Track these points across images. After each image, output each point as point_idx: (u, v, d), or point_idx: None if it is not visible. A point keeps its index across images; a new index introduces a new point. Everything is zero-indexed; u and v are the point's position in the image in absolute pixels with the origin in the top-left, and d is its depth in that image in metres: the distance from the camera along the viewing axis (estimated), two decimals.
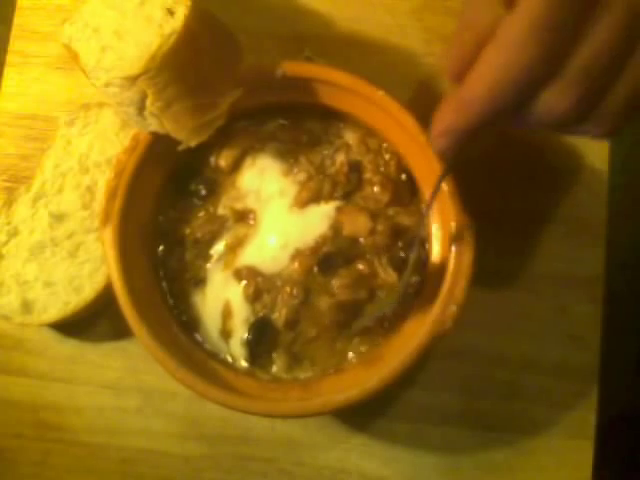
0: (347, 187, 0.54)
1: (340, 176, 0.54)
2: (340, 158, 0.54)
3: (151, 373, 0.58)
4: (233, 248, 0.54)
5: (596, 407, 0.57)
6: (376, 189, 0.54)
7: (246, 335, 0.52)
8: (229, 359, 0.53)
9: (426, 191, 0.53)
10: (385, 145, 0.55)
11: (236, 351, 0.53)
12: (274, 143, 0.55)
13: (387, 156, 0.54)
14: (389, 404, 0.57)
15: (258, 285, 0.52)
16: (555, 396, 0.57)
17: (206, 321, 0.54)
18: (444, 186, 0.50)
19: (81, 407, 0.59)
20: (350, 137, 0.55)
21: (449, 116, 0.39)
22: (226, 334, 0.53)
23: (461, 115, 0.38)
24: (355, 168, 0.54)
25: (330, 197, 0.53)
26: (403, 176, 0.54)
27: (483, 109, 0.37)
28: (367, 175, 0.54)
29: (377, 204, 0.54)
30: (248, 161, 0.55)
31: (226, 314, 0.53)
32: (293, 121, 0.55)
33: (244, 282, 0.53)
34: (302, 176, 0.54)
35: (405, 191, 0.54)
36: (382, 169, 0.54)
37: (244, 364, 0.53)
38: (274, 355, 0.53)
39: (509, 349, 0.58)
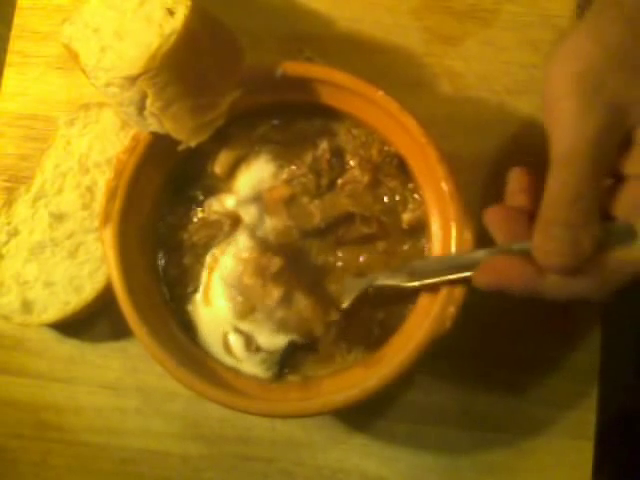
0: (331, 174, 0.54)
1: (323, 163, 0.54)
2: (323, 145, 0.54)
3: (151, 373, 0.58)
4: (210, 272, 0.54)
5: (596, 407, 0.57)
6: (356, 172, 0.54)
7: (258, 358, 0.52)
8: (237, 368, 0.52)
9: (426, 190, 0.53)
10: (373, 133, 0.54)
11: (250, 370, 0.52)
12: (268, 146, 0.55)
13: (369, 140, 0.54)
14: (389, 404, 0.57)
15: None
16: (555, 396, 0.57)
17: (206, 336, 0.53)
18: (444, 186, 0.50)
19: (81, 407, 0.59)
20: (339, 130, 0.55)
21: (512, 279, 0.42)
22: (235, 357, 0.52)
23: (525, 289, 0.42)
24: (337, 153, 0.54)
25: (317, 190, 0.54)
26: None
27: (553, 298, 0.42)
28: (350, 161, 0.54)
29: (356, 186, 0.53)
30: (243, 166, 0.55)
31: (226, 345, 0.53)
32: (286, 121, 0.55)
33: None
34: (285, 176, 0.54)
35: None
36: (362, 152, 0.54)
37: (267, 376, 0.52)
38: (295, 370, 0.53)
39: (509, 349, 0.58)
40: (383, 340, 0.52)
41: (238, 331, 0.52)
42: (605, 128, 0.39)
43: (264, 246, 0.52)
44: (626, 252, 0.41)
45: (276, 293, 0.51)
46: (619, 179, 0.42)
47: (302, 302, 0.51)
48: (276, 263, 0.51)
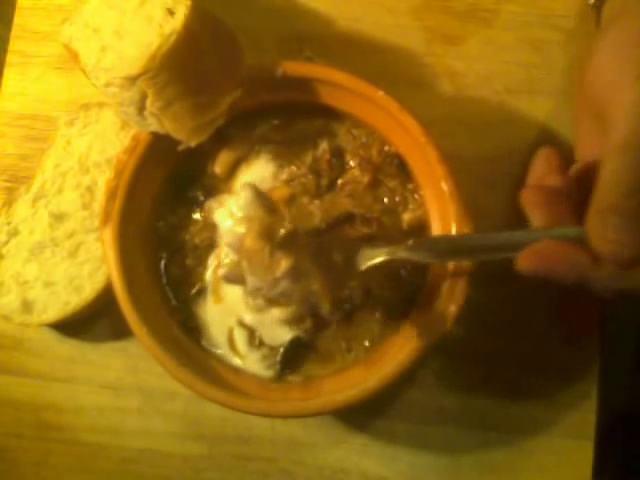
0: (331, 175, 0.54)
1: (323, 163, 0.54)
2: (323, 145, 0.54)
3: (151, 373, 0.58)
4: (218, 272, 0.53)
5: (596, 407, 0.57)
6: (356, 172, 0.54)
7: (259, 354, 0.52)
8: (240, 368, 0.53)
9: (426, 190, 0.53)
10: (373, 134, 0.54)
11: (252, 367, 0.52)
12: (268, 146, 0.55)
13: (370, 140, 0.54)
14: (389, 404, 0.57)
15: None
16: (555, 396, 0.57)
17: (213, 334, 0.53)
18: (444, 186, 0.50)
19: (81, 407, 0.59)
20: (339, 131, 0.55)
21: (560, 266, 0.41)
22: (239, 354, 0.53)
23: (574, 277, 0.40)
24: (337, 153, 0.54)
25: (317, 190, 0.54)
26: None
27: (602, 290, 0.40)
28: (350, 161, 0.54)
29: (356, 186, 0.53)
30: (243, 167, 0.55)
31: (231, 341, 0.53)
32: (286, 121, 0.55)
33: None
34: (285, 176, 0.54)
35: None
36: (362, 152, 0.54)
37: (266, 376, 0.52)
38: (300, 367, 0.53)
39: (509, 349, 0.57)
40: (384, 339, 0.52)
41: (242, 325, 0.52)
42: None
43: (270, 206, 0.48)
44: None
45: (284, 264, 0.45)
46: None
47: (311, 272, 0.46)
48: (286, 226, 0.46)
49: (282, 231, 0.46)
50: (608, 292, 0.41)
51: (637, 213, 0.39)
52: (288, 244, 0.46)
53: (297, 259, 0.46)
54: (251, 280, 0.47)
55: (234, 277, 0.48)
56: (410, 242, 0.47)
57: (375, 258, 0.47)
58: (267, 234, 0.46)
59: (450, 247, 0.47)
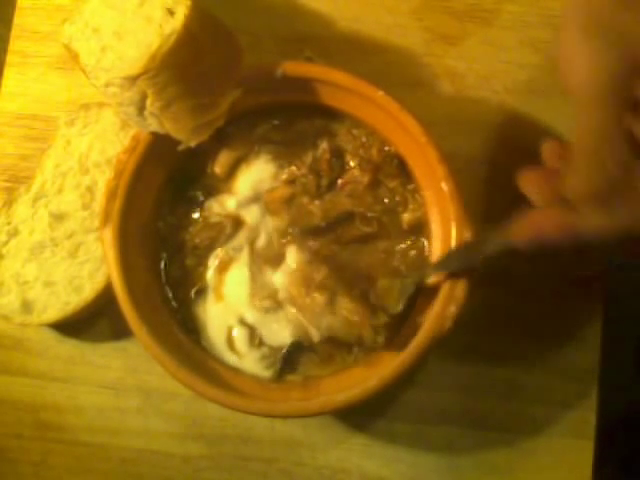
0: (331, 175, 0.54)
1: (323, 164, 0.54)
2: (323, 145, 0.54)
3: (151, 373, 0.58)
4: (222, 270, 0.54)
5: (596, 407, 0.57)
6: (356, 172, 0.54)
7: (259, 354, 0.52)
8: (238, 368, 0.53)
9: (426, 190, 0.53)
10: (373, 134, 0.54)
11: (250, 367, 0.52)
12: (268, 146, 0.55)
13: (370, 140, 0.54)
14: (389, 404, 0.57)
15: None
16: (555, 396, 0.57)
17: (211, 334, 0.53)
18: (444, 186, 0.50)
19: (81, 407, 0.59)
20: (339, 131, 0.55)
21: (549, 227, 0.42)
22: (237, 353, 0.53)
23: (565, 233, 0.41)
24: (337, 154, 0.54)
25: (317, 191, 0.54)
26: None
27: (593, 236, 0.41)
28: (350, 161, 0.54)
29: (356, 186, 0.53)
30: (243, 166, 0.55)
31: (230, 340, 0.53)
32: (286, 121, 0.55)
33: None
34: (285, 176, 0.54)
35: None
36: (362, 152, 0.54)
37: (265, 376, 0.52)
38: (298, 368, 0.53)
39: (509, 349, 0.58)
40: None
41: (243, 323, 0.52)
42: (618, 62, 0.40)
43: (310, 255, 0.52)
44: None
45: (320, 300, 0.51)
46: None
47: (347, 306, 0.51)
48: (322, 271, 0.51)
49: (318, 276, 0.52)
50: (602, 240, 0.41)
51: (602, 153, 0.40)
52: (324, 285, 0.52)
53: (331, 294, 0.51)
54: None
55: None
56: (431, 264, 0.52)
57: (407, 290, 0.51)
58: (306, 281, 0.52)
59: (466, 255, 0.49)
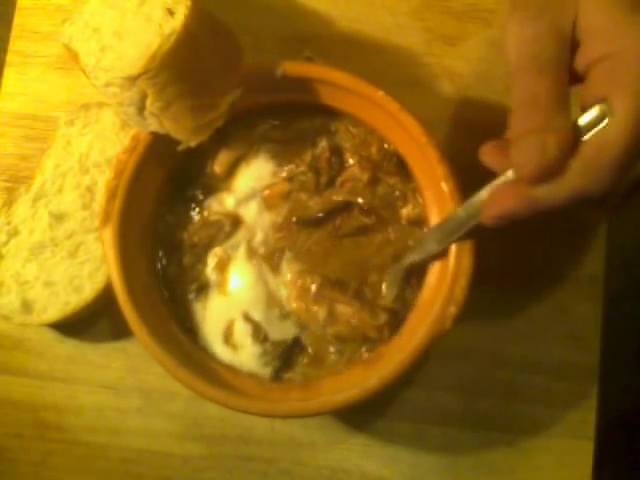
0: (330, 173, 0.54)
1: (322, 162, 0.54)
2: (322, 144, 0.54)
3: (151, 373, 0.58)
4: (222, 268, 0.54)
5: (596, 407, 0.57)
6: (355, 170, 0.54)
7: (261, 349, 0.52)
8: (234, 366, 0.53)
9: (426, 190, 0.53)
10: (372, 132, 0.54)
11: (247, 362, 0.52)
12: (267, 145, 0.55)
13: (369, 138, 0.54)
14: (389, 404, 0.57)
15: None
16: (555, 396, 0.57)
17: (207, 327, 0.53)
18: (444, 186, 0.50)
19: (81, 407, 0.59)
20: (338, 129, 0.55)
21: (511, 203, 0.42)
22: (232, 346, 0.53)
23: (526, 208, 0.41)
24: (336, 152, 0.54)
25: (316, 189, 0.54)
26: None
27: (554, 207, 0.41)
28: (349, 159, 0.54)
29: (355, 184, 0.54)
30: (242, 165, 0.55)
31: (229, 333, 0.53)
32: (286, 121, 0.55)
33: None
34: (285, 174, 0.54)
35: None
36: (361, 150, 0.54)
37: (263, 374, 0.52)
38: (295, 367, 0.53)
39: (509, 349, 0.58)
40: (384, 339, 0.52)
41: (248, 319, 0.52)
42: (543, 32, 0.40)
43: (300, 266, 0.53)
44: (600, 133, 0.39)
45: (321, 313, 0.52)
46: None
47: (346, 312, 0.52)
48: (315, 281, 0.53)
49: (312, 288, 0.53)
50: (564, 207, 0.41)
51: (538, 126, 0.40)
52: (320, 296, 0.53)
53: (330, 305, 0.52)
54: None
55: None
56: (410, 242, 0.52)
57: (396, 278, 0.52)
58: (303, 294, 0.53)
59: (444, 230, 0.49)
